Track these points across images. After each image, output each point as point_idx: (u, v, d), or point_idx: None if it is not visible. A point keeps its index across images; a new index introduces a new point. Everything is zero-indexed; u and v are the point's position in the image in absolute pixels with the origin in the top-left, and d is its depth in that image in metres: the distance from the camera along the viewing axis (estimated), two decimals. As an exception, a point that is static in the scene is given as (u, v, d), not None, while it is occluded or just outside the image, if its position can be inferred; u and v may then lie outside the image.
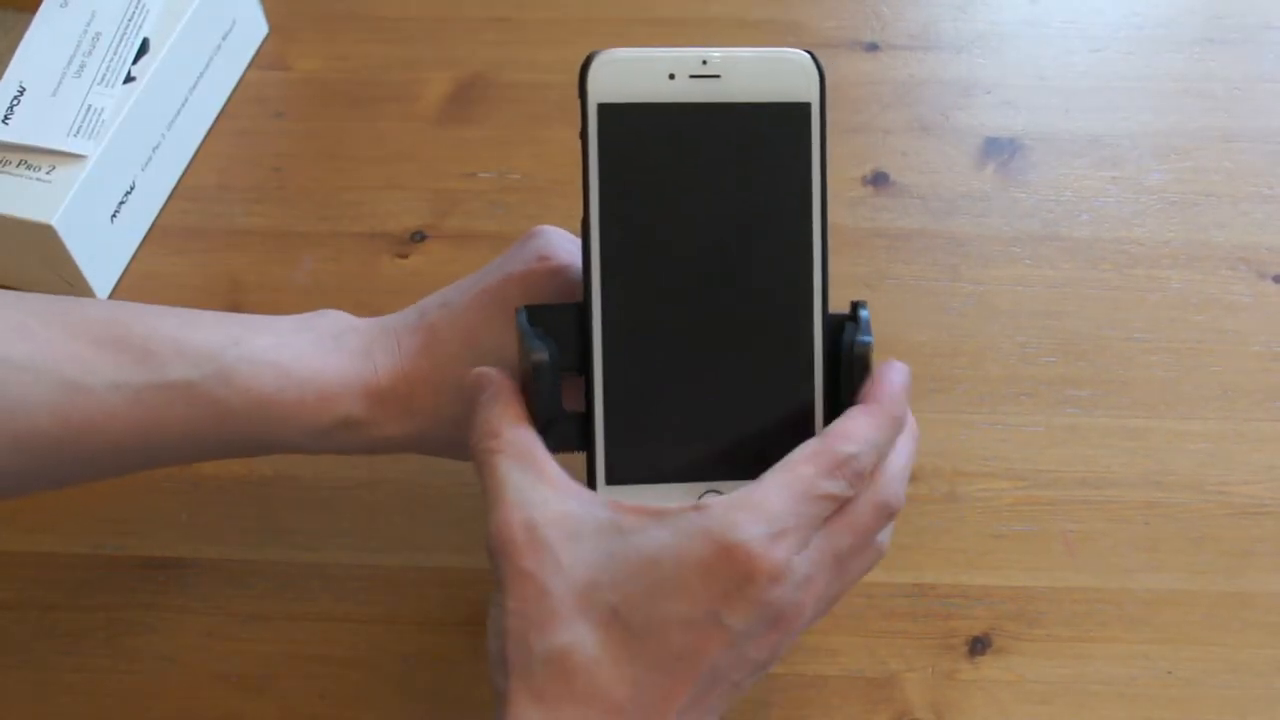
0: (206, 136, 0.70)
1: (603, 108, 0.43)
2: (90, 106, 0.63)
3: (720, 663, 0.40)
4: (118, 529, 0.57)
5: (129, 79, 0.64)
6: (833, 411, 0.44)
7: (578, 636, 0.39)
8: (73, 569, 0.56)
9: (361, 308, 0.52)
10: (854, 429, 0.42)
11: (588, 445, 0.44)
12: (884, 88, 0.70)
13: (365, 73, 0.72)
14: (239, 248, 0.66)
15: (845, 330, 0.45)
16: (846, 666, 0.53)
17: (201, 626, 0.54)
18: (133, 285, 0.65)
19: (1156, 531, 0.56)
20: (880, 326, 0.61)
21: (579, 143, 0.43)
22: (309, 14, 0.75)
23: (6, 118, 0.62)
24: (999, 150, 0.68)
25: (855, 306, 0.45)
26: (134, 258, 0.66)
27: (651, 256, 0.44)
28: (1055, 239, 0.65)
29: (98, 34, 0.65)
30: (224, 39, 0.70)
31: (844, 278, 0.63)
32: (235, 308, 0.62)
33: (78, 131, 0.62)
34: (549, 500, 0.41)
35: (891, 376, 0.44)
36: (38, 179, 0.61)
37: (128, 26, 0.65)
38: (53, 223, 0.60)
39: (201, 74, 0.69)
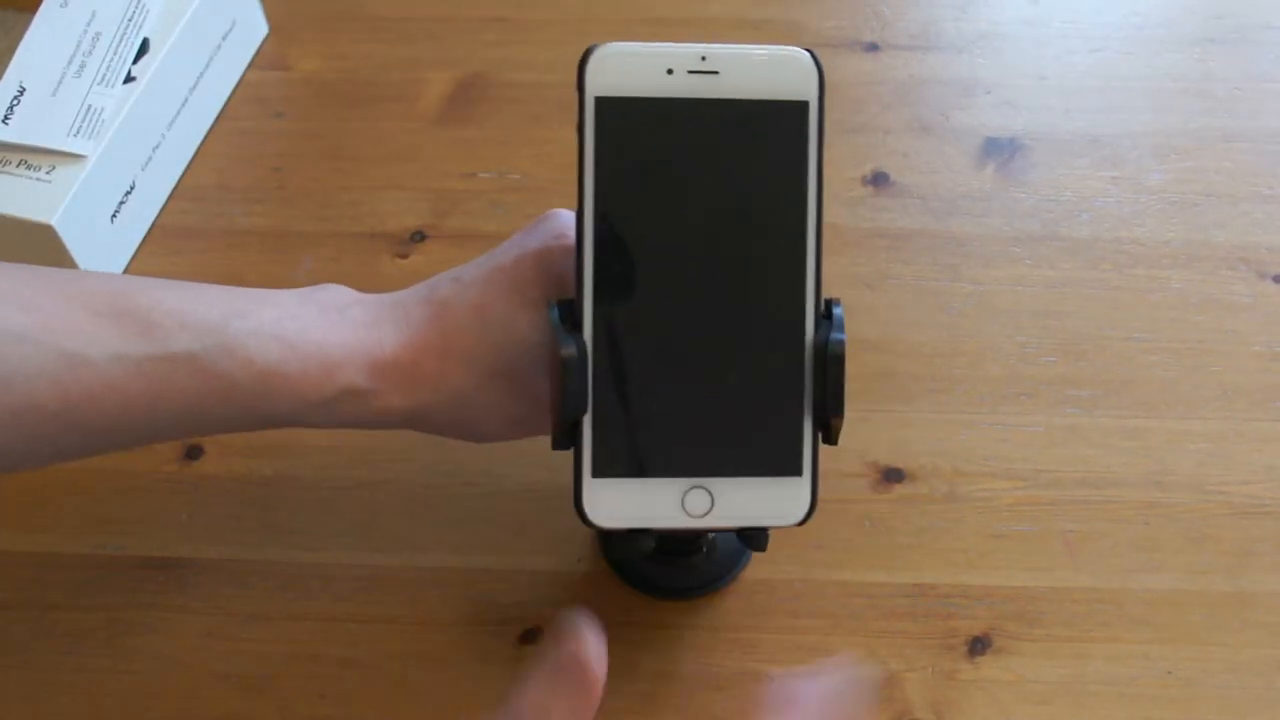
0: (206, 136, 0.70)
1: (600, 100, 0.43)
2: (90, 106, 0.63)
3: None
4: (118, 529, 0.57)
5: (129, 79, 0.64)
6: (819, 410, 0.44)
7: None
8: (73, 569, 0.56)
9: (361, 308, 0.52)
10: None
11: (575, 439, 0.44)
12: (884, 88, 0.70)
13: (365, 73, 0.72)
14: (239, 248, 0.66)
15: (820, 328, 0.44)
16: (846, 666, 0.53)
17: (201, 626, 0.54)
18: (133, 285, 0.65)
19: (1156, 532, 0.56)
20: (880, 326, 0.62)
21: (575, 135, 0.43)
22: (309, 14, 0.75)
23: (6, 118, 0.62)
24: (999, 150, 0.68)
25: (829, 304, 0.45)
26: (134, 258, 0.66)
27: (644, 250, 0.44)
28: (1055, 239, 0.65)
29: (98, 34, 0.65)
30: (224, 39, 0.70)
31: (844, 277, 0.63)
32: (235, 308, 0.62)
33: (78, 131, 0.62)
34: None
35: None
36: (38, 179, 0.61)
37: (128, 26, 0.65)
38: (53, 223, 0.60)
39: (201, 74, 0.68)
